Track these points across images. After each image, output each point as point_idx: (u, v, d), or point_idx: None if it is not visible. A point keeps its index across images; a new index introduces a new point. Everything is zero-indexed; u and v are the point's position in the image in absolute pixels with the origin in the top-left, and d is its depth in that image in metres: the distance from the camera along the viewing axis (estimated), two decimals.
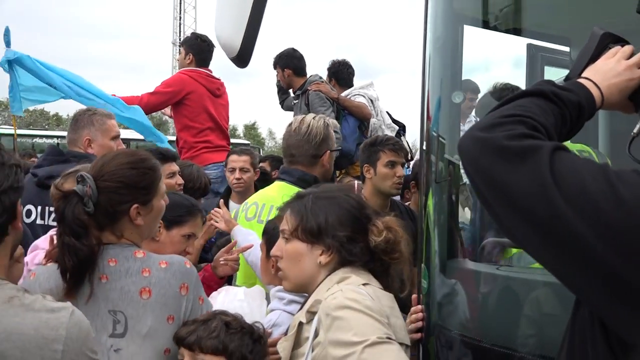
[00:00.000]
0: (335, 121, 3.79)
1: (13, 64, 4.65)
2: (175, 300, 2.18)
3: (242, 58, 2.40)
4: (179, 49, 5.65)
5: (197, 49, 5.45)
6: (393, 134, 5.44)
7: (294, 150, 3.27)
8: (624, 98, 1.39)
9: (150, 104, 5.26)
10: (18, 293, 1.72)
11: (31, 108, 5.40)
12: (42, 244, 2.73)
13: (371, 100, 5.69)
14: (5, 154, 1.72)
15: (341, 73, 5.72)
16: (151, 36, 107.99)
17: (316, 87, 5.40)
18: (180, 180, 3.78)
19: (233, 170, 4.27)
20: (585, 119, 1.37)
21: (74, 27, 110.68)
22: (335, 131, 3.56)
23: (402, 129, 5.67)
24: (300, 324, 1.95)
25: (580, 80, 1.39)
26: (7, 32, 4.61)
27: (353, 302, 1.80)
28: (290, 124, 3.39)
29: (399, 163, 3.76)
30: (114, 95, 5.15)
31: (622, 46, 1.43)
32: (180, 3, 48.13)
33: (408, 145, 5.61)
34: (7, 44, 4.62)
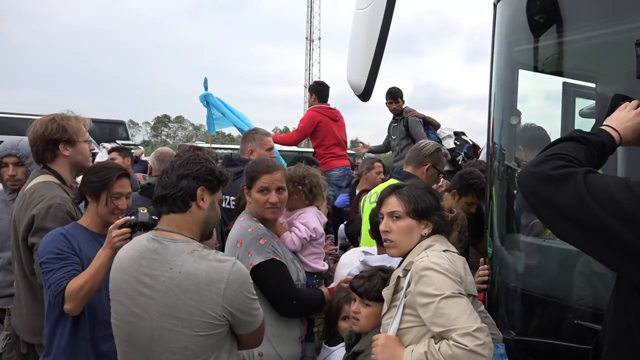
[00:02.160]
0: (447, 152, 3.96)
1: (207, 99, 5.60)
2: (233, 250, 2.55)
3: (365, 95, 2.80)
4: (308, 92, 6.41)
5: (319, 91, 6.09)
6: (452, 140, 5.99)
7: (410, 155, 3.66)
8: (636, 136, 1.53)
9: (298, 137, 5.98)
10: (199, 248, 1.92)
11: (218, 129, 6.22)
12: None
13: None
14: (203, 155, 2.06)
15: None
16: (291, 82, 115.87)
17: (412, 113, 6.18)
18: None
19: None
20: (608, 154, 1.51)
21: (247, 78, 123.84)
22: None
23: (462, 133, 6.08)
24: (398, 277, 2.08)
25: (602, 127, 1.54)
26: (205, 81, 5.56)
27: (435, 265, 1.92)
28: (417, 143, 3.85)
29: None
30: (275, 134, 5.82)
31: (630, 101, 1.58)
32: (310, 60, 58.38)
33: (472, 142, 6.00)
34: (205, 88, 5.56)
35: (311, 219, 2.85)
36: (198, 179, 1.96)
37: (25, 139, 3.14)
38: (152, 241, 1.92)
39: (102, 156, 6.59)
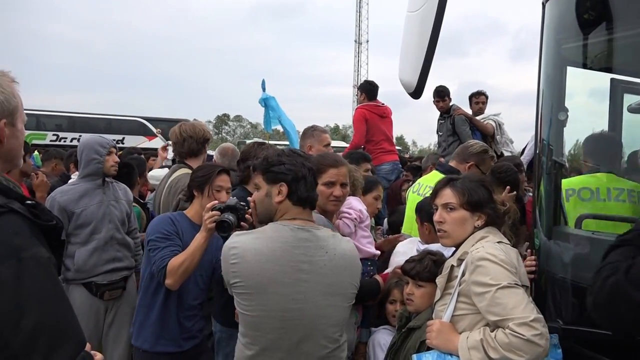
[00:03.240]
0: (493, 153, 3.95)
1: (265, 102, 5.70)
2: None
3: (417, 93, 2.78)
4: (357, 91, 6.37)
5: (368, 90, 6.03)
6: (512, 146, 5.97)
7: (458, 151, 3.66)
8: None
9: (357, 139, 5.86)
10: (334, 232, 2.16)
11: (274, 127, 6.35)
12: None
13: (498, 125, 6.09)
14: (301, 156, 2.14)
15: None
16: (341, 83, 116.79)
17: (459, 112, 6.04)
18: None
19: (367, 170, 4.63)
20: None
21: (300, 79, 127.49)
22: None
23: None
24: (452, 266, 2.05)
25: None
26: (263, 82, 5.65)
27: (491, 255, 1.88)
28: (468, 142, 3.83)
29: None
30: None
31: None
32: (358, 61, 59.53)
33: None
34: (263, 89, 5.66)
35: (355, 202, 2.95)
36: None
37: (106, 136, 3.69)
38: (299, 231, 1.99)
39: (170, 152, 6.78)
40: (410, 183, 4.82)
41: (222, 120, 78.87)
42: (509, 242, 2.06)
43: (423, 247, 2.71)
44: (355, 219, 2.84)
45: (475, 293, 1.87)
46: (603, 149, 2.75)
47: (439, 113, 6.37)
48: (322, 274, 1.95)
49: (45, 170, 5.13)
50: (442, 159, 5.27)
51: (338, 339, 2.01)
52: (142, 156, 5.97)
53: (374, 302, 2.88)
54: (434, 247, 2.64)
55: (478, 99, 6.41)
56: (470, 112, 6.32)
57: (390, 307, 2.74)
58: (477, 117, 6.13)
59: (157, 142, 24.25)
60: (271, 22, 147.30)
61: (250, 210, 2.32)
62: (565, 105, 2.63)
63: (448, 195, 2.14)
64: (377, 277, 2.88)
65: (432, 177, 3.48)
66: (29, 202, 1.35)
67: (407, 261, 2.50)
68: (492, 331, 1.81)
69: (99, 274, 3.44)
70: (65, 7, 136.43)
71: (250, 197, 2.25)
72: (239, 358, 2.00)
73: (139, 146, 16.00)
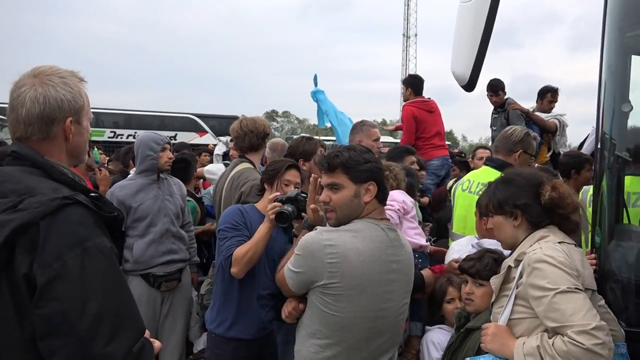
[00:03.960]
0: (536, 134, 3.74)
1: (317, 97, 5.71)
2: None
3: (470, 86, 2.73)
4: (402, 85, 6.23)
5: (414, 84, 5.90)
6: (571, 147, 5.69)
7: (498, 142, 3.46)
8: None
9: (407, 138, 5.76)
10: (391, 226, 2.12)
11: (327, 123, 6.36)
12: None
13: (563, 126, 5.84)
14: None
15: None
16: (389, 77, 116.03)
17: (514, 106, 5.79)
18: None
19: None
20: None
21: (349, 74, 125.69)
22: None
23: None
24: (509, 267, 1.96)
25: None
26: (315, 77, 5.68)
27: (549, 257, 1.78)
28: (504, 130, 3.59)
29: None
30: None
31: None
32: (406, 55, 58.89)
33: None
34: (315, 84, 5.69)
35: (397, 194, 2.94)
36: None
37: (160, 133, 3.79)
38: (389, 230, 2.02)
39: (220, 148, 6.91)
40: (457, 179, 4.71)
41: (271, 116, 79.81)
42: (572, 242, 1.95)
43: (478, 241, 2.67)
44: (399, 210, 2.83)
45: (533, 297, 1.78)
46: None
47: (492, 107, 6.18)
48: (404, 272, 2.01)
49: (111, 168, 5.37)
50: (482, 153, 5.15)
51: (402, 333, 2.15)
52: (189, 152, 6.11)
53: (421, 295, 2.88)
54: (488, 242, 2.59)
55: (554, 97, 6.04)
56: (530, 107, 6.05)
57: (450, 307, 2.69)
58: (542, 116, 5.85)
59: (208, 138, 24.87)
60: (319, 18, 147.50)
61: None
62: (629, 96, 2.50)
63: (483, 202, 2.13)
64: (424, 270, 2.86)
65: (483, 173, 3.37)
66: (92, 194, 1.41)
67: (465, 259, 2.44)
68: (550, 338, 1.72)
69: (155, 266, 3.56)
70: (121, 9, 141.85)
71: (320, 195, 2.17)
72: (325, 356, 1.97)
73: (190, 142, 16.47)
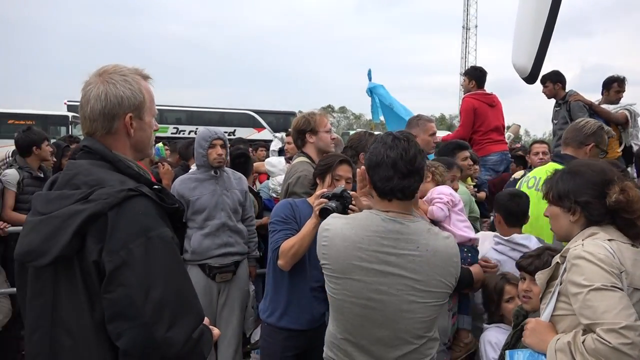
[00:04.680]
0: (609, 128, 3.55)
1: (372, 91, 5.69)
2: None
3: (532, 78, 2.63)
4: (464, 78, 6.03)
5: (477, 76, 5.65)
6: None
7: (568, 135, 3.26)
8: None
9: (464, 131, 5.59)
10: (430, 226, 1.99)
11: (381, 117, 6.33)
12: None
13: (634, 116, 5.46)
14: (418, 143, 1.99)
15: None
16: (447, 71, 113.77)
17: (576, 98, 5.39)
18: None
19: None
20: None
21: (406, 68, 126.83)
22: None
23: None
24: (557, 263, 1.92)
25: None
26: (369, 72, 5.65)
27: (588, 254, 1.73)
28: (575, 122, 3.39)
29: None
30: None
31: None
32: (466, 48, 57.68)
33: None
34: (370, 79, 5.65)
35: (443, 188, 2.92)
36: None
37: (219, 129, 3.82)
38: (390, 222, 1.91)
39: (275, 144, 7.01)
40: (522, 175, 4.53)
41: (327, 111, 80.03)
42: (628, 242, 1.84)
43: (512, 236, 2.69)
44: (448, 202, 2.79)
45: (571, 293, 1.74)
46: None
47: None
48: (409, 268, 1.87)
49: (170, 160, 5.59)
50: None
51: (424, 336, 1.94)
52: (244, 146, 6.23)
53: (470, 291, 2.83)
54: (518, 237, 2.67)
55: (621, 87, 5.61)
56: (595, 100, 5.71)
57: (510, 306, 2.61)
58: (609, 108, 5.49)
59: (265, 134, 25.30)
60: (377, 12, 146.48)
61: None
62: None
63: (544, 188, 2.06)
64: (476, 266, 2.80)
65: (550, 170, 3.21)
66: (155, 187, 1.48)
67: (523, 257, 2.40)
68: (583, 335, 1.68)
69: (211, 257, 3.67)
70: (183, 8, 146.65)
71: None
72: (329, 337, 2.07)
73: (248, 138, 16.83)
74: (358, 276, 1.90)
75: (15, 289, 4.01)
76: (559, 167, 2.99)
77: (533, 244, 2.82)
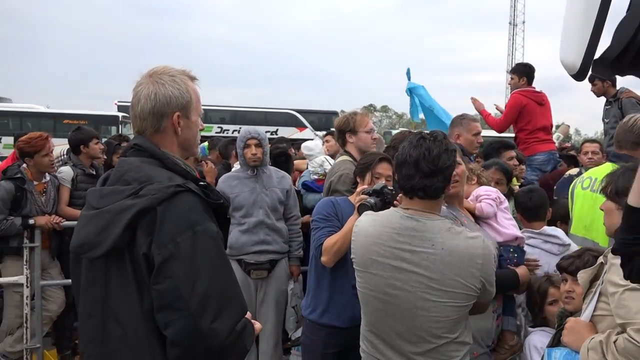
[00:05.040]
0: None
1: (412, 91, 5.63)
2: None
3: (581, 75, 2.50)
4: (511, 75, 5.83)
5: (527, 73, 5.50)
6: None
7: (619, 137, 3.11)
8: None
9: (503, 123, 5.48)
10: (452, 225, 1.97)
11: (421, 116, 6.28)
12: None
13: None
14: (449, 143, 1.98)
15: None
16: (492, 69, 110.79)
17: (628, 94, 5.20)
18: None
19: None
20: None
21: (448, 66, 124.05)
22: None
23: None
24: (601, 264, 1.89)
25: None
26: (408, 71, 5.59)
27: None
28: (623, 121, 3.22)
29: None
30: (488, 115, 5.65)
31: None
32: (513, 44, 56.01)
33: None
34: (409, 78, 5.60)
35: (488, 187, 2.89)
36: (453, 168, 1.97)
37: (261, 128, 3.87)
38: (407, 219, 1.94)
39: (316, 143, 7.04)
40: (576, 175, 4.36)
41: (369, 110, 79.78)
42: None
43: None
44: (496, 198, 2.74)
45: (609, 293, 1.72)
46: None
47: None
48: (424, 266, 1.87)
49: (211, 158, 5.72)
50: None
51: (443, 337, 1.91)
52: (285, 145, 6.28)
53: (516, 293, 2.77)
54: (549, 230, 2.68)
55: None
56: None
57: (554, 309, 2.54)
58: None
59: (307, 133, 25.45)
60: (420, 10, 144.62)
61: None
62: None
63: (605, 182, 2.05)
64: (522, 267, 2.71)
65: (606, 170, 3.08)
66: (201, 183, 1.54)
67: (564, 258, 2.36)
68: (618, 335, 1.65)
69: (247, 253, 3.74)
70: (228, 10, 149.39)
71: None
72: (361, 329, 2.14)
73: (290, 137, 16.96)
74: (376, 270, 1.96)
75: (68, 281, 4.24)
76: (616, 167, 2.90)
77: (561, 235, 2.87)
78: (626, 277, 1.18)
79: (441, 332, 1.90)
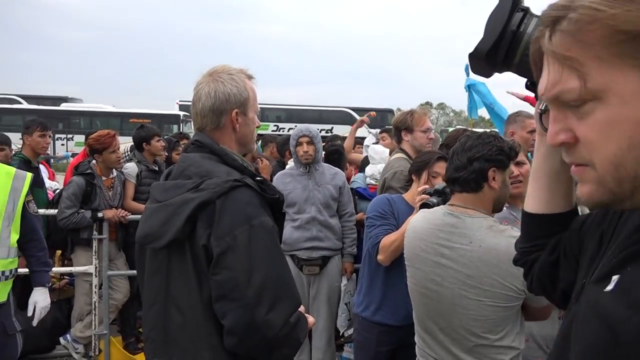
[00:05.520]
0: None
1: (471, 87, 5.47)
2: None
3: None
4: None
5: None
6: None
7: None
8: None
9: None
10: (495, 223, 1.88)
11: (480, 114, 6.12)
12: None
13: None
14: (492, 138, 1.91)
15: None
16: None
17: None
18: None
19: None
20: None
21: None
22: None
23: None
24: None
25: None
26: (466, 67, 5.32)
27: None
28: None
29: None
30: None
31: None
32: None
33: None
34: (467, 74, 5.44)
35: None
36: (489, 161, 1.89)
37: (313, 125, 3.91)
38: (448, 215, 1.95)
39: (369, 140, 7.01)
40: None
41: (425, 108, 78.16)
42: None
43: None
44: None
45: None
46: None
47: None
48: (461, 262, 1.86)
49: (265, 155, 5.84)
50: None
51: (484, 337, 1.84)
52: (339, 143, 6.29)
53: None
54: None
55: None
56: None
57: None
58: None
59: (362, 131, 25.33)
60: (483, 3, 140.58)
61: None
62: None
63: None
64: None
65: None
66: (258, 178, 1.59)
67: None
68: None
69: (300, 249, 3.79)
70: (286, 10, 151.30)
71: None
72: (415, 324, 2.15)
73: (345, 135, 16.94)
74: (419, 265, 1.99)
75: (133, 271, 4.48)
76: None
77: None
78: (528, 288, 1.13)
79: (481, 332, 1.86)
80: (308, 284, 3.86)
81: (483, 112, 5.77)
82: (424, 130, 3.45)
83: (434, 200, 2.45)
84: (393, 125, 3.55)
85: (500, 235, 1.85)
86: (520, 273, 1.74)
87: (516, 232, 1.81)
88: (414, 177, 2.87)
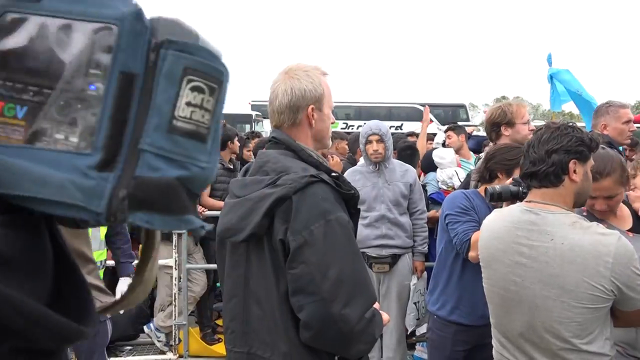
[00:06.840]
0: None
1: (554, 77, 5.19)
2: None
3: None
4: None
5: None
6: None
7: None
8: None
9: None
10: (579, 220, 1.80)
11: (564, 106, 5.71)
12: None
13: None
14: (571, 129, 1.81)
15: None
16: None
17: None
18: None
19: None
20: None
21: (595, 51, 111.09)
22: None
23: None
24: None
25: None
26: (549, 57, 5.16)
27: None
28: None
29: None
30: None
31: None
32: None
33: None
34: (550, 64, 5.16)
35: None
36: (569, 152, 1.78)
37: (384, 122, 3.88)
38: (526, 212, 1.86)
39: (448, 152, 6.86)
40: None
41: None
42: None
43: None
44: None
45: None
46: None
47: None
48: (542, 261, 1.76)
49: (334, 152, 5.87)
50: None
51: (569, 341, 1.73)
52: (411, 140, 6.20)
53: None
54: None
55: None
56: None
57: None
58: None
59: (432, 127, 24.79)
60: None
61: None
62: None
63: None
64: None
65: None
66: (333, 174, 1.61)
67: None
68: None
69: (369, 247, 3.77)
70: (353, 5, 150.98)
71: None
72: (492, 326, 2.09)
73: (416, 131, 16.65)
74: (496, 266, 1.91)
75: (210, 265, 4.69)
76: None
77: None
78: None
79: (566, 336, 1.75)
80: (378, 282, 3.85)
81: (565, 106, 5.46)
82: (524, 122, 3.24)
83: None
84: (489, 122, 3.33)
85: (586, 232, 1.75)
86: (608, 272, 1.70)
87: (603, 229, 1.75)
88: (500, 175, 2.70)
